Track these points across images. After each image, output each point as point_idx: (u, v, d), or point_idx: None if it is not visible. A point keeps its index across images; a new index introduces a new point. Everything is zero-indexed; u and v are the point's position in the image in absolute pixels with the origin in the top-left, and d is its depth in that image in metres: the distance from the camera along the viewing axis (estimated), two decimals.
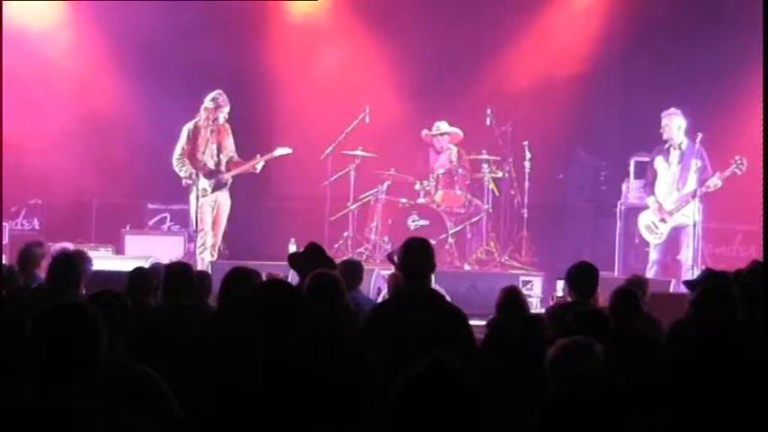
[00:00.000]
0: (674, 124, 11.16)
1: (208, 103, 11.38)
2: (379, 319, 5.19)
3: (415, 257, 5.25)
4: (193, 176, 11.34)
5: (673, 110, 11.23)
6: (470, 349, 5.05)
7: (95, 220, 12.88)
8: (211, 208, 11.50)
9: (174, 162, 11.44)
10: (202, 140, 11.44)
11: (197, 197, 11.32)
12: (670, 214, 11.13)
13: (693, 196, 10.95)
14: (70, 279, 5.80)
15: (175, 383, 3.93)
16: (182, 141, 11.44)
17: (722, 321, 5.20)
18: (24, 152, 11.86)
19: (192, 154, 11.42)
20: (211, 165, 11.48)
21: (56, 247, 8.17)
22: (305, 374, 3.78)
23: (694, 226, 10.90)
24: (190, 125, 11.45)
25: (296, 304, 4.09)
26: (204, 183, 11.41)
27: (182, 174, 11.43)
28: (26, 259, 7.04)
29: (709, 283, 5.91)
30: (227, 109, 11.40)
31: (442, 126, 12.54)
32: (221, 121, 11.42)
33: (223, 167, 11.54)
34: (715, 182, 10.88)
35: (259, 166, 11.63)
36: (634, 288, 6.27)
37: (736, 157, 10.73)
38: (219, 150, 11.50)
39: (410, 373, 2.63)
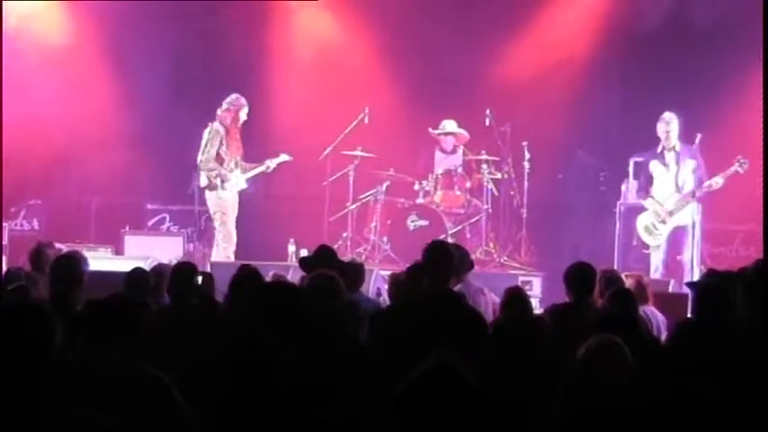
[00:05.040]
0: (674, 128, 11.08)
1: (234, 103, 11.35)
2: (395, 320, 5.23)
3: (436, 260, 5.32)
4: (221, 174, 11.28)
5: (669, 114, 11.12)
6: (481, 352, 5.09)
7: (94, 221, 12.89)
8: (233, 204, 11.48)
9: (204, 164, 11.27)
10: (232, 141, 11.40)
11: (216, 193, 11.29)
12: (670, 214, 11.11)
13: (693, 196, 10.95)
14: (74, 279, 5.80)
15: (186, 384, 3.92)
16: (215, 145, 11.26)
17: (723, 320, 5.21)
18: (24, 153, 11.85)
19: (218, 155, 11.36)
20: (233, 165, 11.44)
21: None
22: (303, 373, 3.78)
23: (693, 226, 10.89)
24: (220, 129, 11.30)
25: (297, 305, 4.09)
26: (238, 177, 11.37)
27: (212, 174, 11.27)
28: (39, 261, 7.03)
29: (710, 282, 5.92)
30: (246, 109, 11.44)
31: (448, 126, 12.52)
32: (242, 121, 11.48)
33: (240, 168, 11.52)
34: (717, 180, 10.85)
35: (273, 165, 11.70)
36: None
37: (739, 157, 10.71)
38: (236, 151, 11.47)
39: (414, 374, 2.63)
